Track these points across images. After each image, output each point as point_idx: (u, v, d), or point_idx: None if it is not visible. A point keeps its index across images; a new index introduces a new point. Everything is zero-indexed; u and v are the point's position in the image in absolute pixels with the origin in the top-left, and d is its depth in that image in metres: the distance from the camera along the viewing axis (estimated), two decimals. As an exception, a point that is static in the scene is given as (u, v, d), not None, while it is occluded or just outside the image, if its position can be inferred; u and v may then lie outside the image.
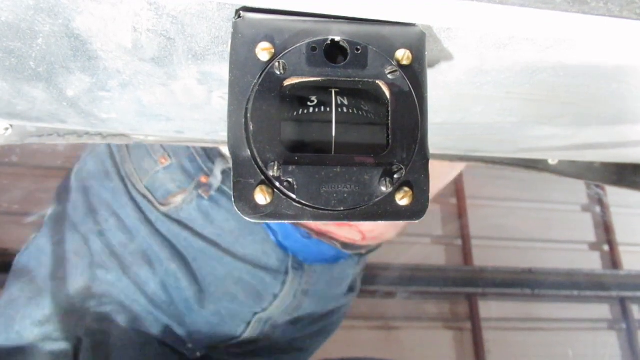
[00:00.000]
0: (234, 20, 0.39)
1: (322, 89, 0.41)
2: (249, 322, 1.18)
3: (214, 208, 1.08)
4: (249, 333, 1.20)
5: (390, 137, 0.40)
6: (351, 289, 1.35)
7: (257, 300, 1.15)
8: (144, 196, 1.09)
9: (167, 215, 1.09)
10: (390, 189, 0.39)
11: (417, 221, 0.41)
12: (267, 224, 1.09)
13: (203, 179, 1.08)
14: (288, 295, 1.18)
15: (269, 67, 0.39)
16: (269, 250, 1.13)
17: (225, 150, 1.04)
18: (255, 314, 1.17)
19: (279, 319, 1.21)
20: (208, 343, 1.19)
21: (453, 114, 0.63)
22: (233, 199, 0.38)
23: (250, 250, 1.12)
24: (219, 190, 1.08)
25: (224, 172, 1.08)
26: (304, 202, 0.38)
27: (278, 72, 0.39)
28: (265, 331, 1.22)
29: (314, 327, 1.30)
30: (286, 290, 1.17)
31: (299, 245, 1.12)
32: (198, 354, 1.21)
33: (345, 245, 1.15)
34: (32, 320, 1.03)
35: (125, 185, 1.11)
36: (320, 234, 1.12)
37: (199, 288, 1.11)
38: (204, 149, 1.09)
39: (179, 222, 1.09)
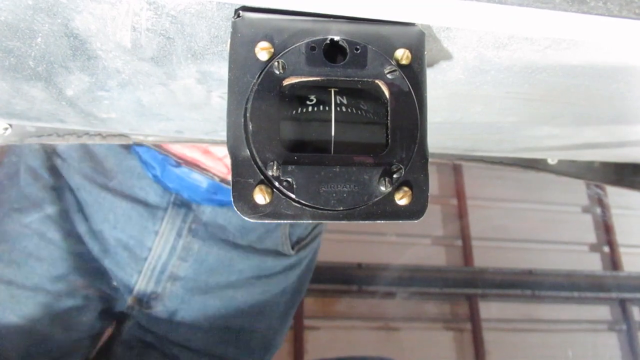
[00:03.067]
0: (233, 19, 0.39)
1: (321, 89, 0.41)
2: (140, 270, 1.14)
3: (94, 145, 1.08)
4: (143, 283, 1.15)
5: (389, 136, 0.40)
6: (278, 252, 1.23)
7: (139, 238, 1.12)
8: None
9: (52, 153, 1.09)
10: (389, 189, 0.39)
11: (416, 221, 0.41)
12: (141, 158, 1.08)
13: None
14: (170, 232, 1.12)
15: (268, 66, 0.39)
16: (145, 185, 1.10)
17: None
18: (145, 259, 1.13)
19: (177, 269, 1.15)
20: (117, 285, 1.17)
21: (452, 113, 0.63)
22: (232, 199, 0.38)
23: (127, 186, 1.10)
24: None
25: None
26: (303, 202, 0.38)
27: (277, 72, 0.39)
28: (164, 283, 1.16)
29: (238, 293, 1.20)
30: (165, 226, 1.12)
31: (173, 177, 1.08)
32: (127, 298, 1.17)
33: (225, 180, 1.08)
34: None
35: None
36: (191, 164, 1.07)
37: (90, 227, 1.11)
38: None
39: (60, 156, 1.10)
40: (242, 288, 1.21)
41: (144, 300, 1.17)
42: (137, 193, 1.10)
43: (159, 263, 1.14)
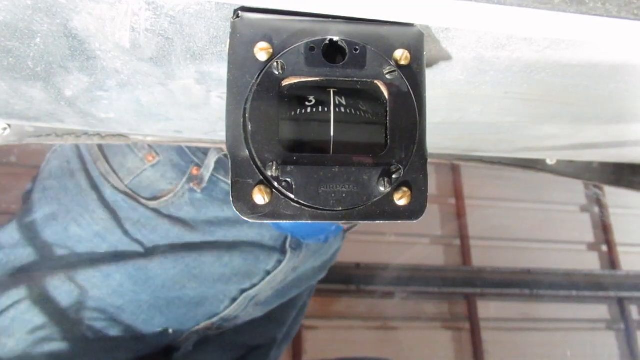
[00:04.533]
0: (232, 20, 0.39)
1: (320, 89, 0.41)
2: (234, 299, 1.15)
3: (207, 201, 1.05)
4: (232, 310, 1.16)
5: (388, 137, 0.40)
6: (324, 267, 1.35)
7: (247, 277, 1.13)
8: (126, 194, 1.03)
9: (156, 211, 1.04)
10: (388, 189, 0.39)
11: (415, 221, 0.41)
12: None
13: (195, 171, 1.04)
14: (281, 272, 1.16)
15: (267, 67, 0.39)
16: (263, 231, 1.11)
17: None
18: (244, 291, 1.14)
19: (264, 295, 1.19)
20: (187, 325, 1.15)
21: (451, 113, 0.63)
22: (231, 199, 0.38)
23: (244, 234, 1.10)
24: (211, 180, 1.04)
25: (218, 162, 1.04)
26: (302, 202, 0.38)
27: (276, 72, 0.39)
28: (248, 308, 1.19)
29: (285, 299, 1.30)
30: (281, 268, 1.15)
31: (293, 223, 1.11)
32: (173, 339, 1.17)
33: None
34: (26, 329, 0.98)
35: (96, 187, 1.03)
36: None
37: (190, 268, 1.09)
38: None
39: (169, 217, 1.04)
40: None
41: (216, 324, 1.18)
42: (253, 238, 1.11)
43: (254, 293, 1.16)
